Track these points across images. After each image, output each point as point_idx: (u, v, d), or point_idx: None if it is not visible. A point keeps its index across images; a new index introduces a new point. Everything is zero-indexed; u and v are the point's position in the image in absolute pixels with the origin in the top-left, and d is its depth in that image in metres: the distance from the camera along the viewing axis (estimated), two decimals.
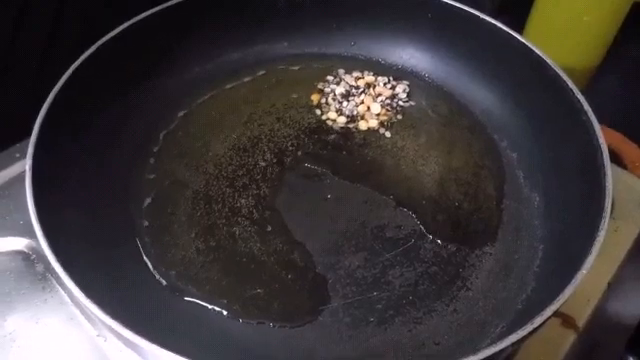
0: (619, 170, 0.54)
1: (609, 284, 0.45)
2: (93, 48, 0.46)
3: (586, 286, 0.44)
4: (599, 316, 0.44)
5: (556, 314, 0.42)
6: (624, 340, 0.48)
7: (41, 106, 0.42)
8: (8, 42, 0.52)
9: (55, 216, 0.37)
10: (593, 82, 0.73)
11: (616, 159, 0.56)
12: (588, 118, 0.42)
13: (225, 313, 0.40)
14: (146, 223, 0.44)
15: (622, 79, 0.77)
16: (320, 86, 0.55)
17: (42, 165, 0.39)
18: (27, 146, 0.40)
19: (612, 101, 0.73)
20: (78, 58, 0.45)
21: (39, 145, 0.39)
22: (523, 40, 0.49)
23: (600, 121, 0.45)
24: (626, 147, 0.58)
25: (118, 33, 0.48)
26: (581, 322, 0.43)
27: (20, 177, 0.48)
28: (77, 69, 0.44)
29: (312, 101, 0.54)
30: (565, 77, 0.45)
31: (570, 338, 0.42)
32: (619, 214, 0.49)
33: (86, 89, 0.45)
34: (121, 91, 0.49)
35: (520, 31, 0.72)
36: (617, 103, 0.74)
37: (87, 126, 0.46)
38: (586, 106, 0.43)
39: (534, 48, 0.48)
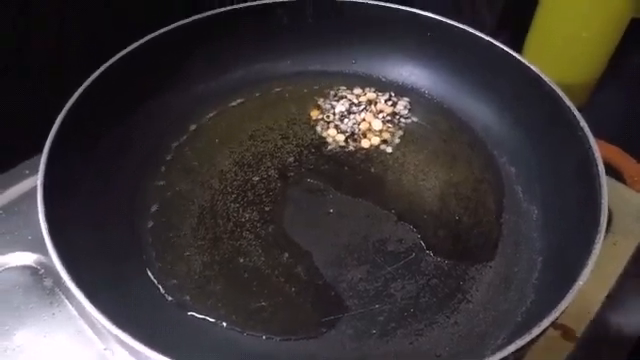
0: (618, 185, 0.54)
1: (608, 297, 0.46)
2: (104, 67, 0.47)
3: (585, 298, 0.44)
4: (599, 328, 0.45)
5: (556, 326, 0.43)
6: (626, 353, 0.48)
7: (48, 115, 0.43)
8: (12, 48, 0.53)
9: (65, 231, 0.38)
10: (593, 96, 0.74)
11: (615, 174, 0.57)
12: (584, 133, 0.43)
13: (229, 326, 0.40)
14: (151, 238, 0.45)
15: (622, 93, 0.78)
16: (322, 103, 0.57)
17: (53, 181, 0.40)
18: (37, 163, 0.41)
19: (612, 115, 0.73)
20: (83, 68, 0.46)
21: (50, 162, 0.40)
22: (520, 58, 0.50)
23: (600, 135, 0.45)
24: (625, 162, 0.58)
25: (127, 53, 0.49)
26: (581, 334, 0.43)
27: (29, 193, 0.49)
28: (88, 86, 0.46)
29: (314, 118, 0.55)
30: (561, 93, 0.47)
31: (570, 350, 0.43)
32: (618, 228, 0.50)
33: (97, 106, 0.46)
34: (130, 107, 0.50)
35: (520, 47, 0.73)
36: (617, 117, 0.74)
37: (97, 142, 0.47)
38: (582, 122, 0.44)
39: (531, 66, 0.49)
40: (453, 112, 0.56)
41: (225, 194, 0.48)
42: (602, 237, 0.37)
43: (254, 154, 0.52)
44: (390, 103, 0.56)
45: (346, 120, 0.55)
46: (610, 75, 0.73)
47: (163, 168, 0.50)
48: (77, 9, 0.55)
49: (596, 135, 0.44)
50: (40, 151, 0.41)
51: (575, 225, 0.41)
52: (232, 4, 0.55)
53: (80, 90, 0.45)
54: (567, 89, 0.47)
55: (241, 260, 0.44)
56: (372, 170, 0.51)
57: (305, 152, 0.52)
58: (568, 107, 0.46)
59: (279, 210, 0.47)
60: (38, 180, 0.39)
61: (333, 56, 0.59)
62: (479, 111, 0.55)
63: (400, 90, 0.58)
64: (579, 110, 0.46)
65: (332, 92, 0.58)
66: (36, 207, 0.38)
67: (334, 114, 0.55)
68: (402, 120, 0.55)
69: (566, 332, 0.43)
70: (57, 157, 0.41)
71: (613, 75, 0.73)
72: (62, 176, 0.41)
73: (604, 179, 0.40)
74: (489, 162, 0.52)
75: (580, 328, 0.44)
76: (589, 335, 0.44)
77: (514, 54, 0.50)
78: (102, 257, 0.42)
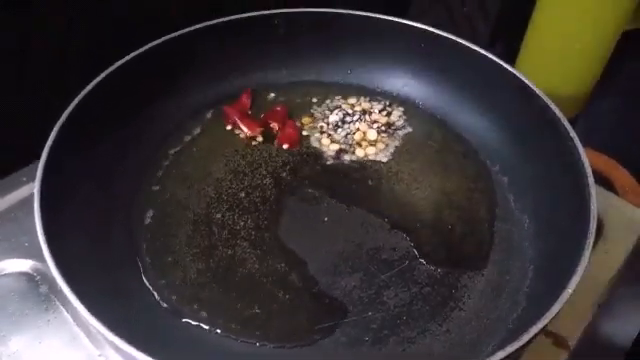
0: (610, 195, 0.55)
1: (599, 305, 0.46)
2: (101, 76, 0.48)
3: (577, 306, 0.45)
4: (591, 336, 0.45)
5: (547, 334, 0.43)
6: None
7: (45, 123, 0.43)
8: (14, 51, 0.54)
9: (61, 238, 0.38)
10: (586, 107, 0.75)
11: (608, 184, 0.57)
12: (574, 144, 0.44)
13: (224, 333, 0.41)
14: (147, 244, 0.46)
15: (615, 104, 0.79)
16: (317, 113, 0.57)
17: (50, 188, 0.40)
18: (34, 170, 0.41)
19: (605, 126, 0.74)
20: (84, 73, 0.47)
21: (47, 169, 0.41)
22: (512, 70, 0.51)
23: (593, 146, 0.46)
24: (617, 173, 0.59)
25: (125, 62, 0.50)
26: (572, 342, 0.44)
27: (26, 200, 0.49)
28: (86, 95, 0.46)
29: (309, 127, 0.56)
30: (552, 105, 0.47)
31: (562, 358, 0.43)
32: (609, 237, 0.51)
33: (94, 114, 0.47)
34: (127, 116, 0.51)
35: (513, 59, 0.74)
36: (610, 128, 0.75)
37: (94, 149, 0.47)
38: (572, 133, 0.45)
39: (523, 78, 0.50)
40: (446, 122, 0.57)
41: (220, 202, 0.49)
42: (591, 245, 0.37)
43: (249, 162, 0.52)
44: (384, 113, 0.57)
45: (340, 130, 0.55)
46: (603, 86, 0.74)
47: (160, 174, 0.51)
48: (78, 11, 0.56)
49: (589, 145, 0.44)
50: (37, 158, 0.42)
51: (566, 234, 0.42)
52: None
53: (78, 98, 0.46)
54: (560, 100, 0.48)
55: (236, 267, 0.44)
56: (366, 179, 0.52)
57: (300, 161, 0.53)
58: (559, 118, 0.46)
59: (274, 218, 0.48)
60: (35, 187, 0.40)
61: (329, 66, 0.60)
62: (472, 121, 0.55)
63: (394, 100, 0.59)
64: (572, 121, 0.46)
65: (327, 102, 0.58)
66: (32, 214, 0.39)
67: (329, 124, 0.56)
68: (396, 130, 0.56)
69: (558, 340, 0.44)
70: (54, 164, 0.42)
71: (606, 86, 0.74)
72: (59, 183, 0.41)
73: (593, 189, 0.41)
74: (482, 172, 0.52)
75: (572, 336, 0.44)
76: (582, 343, 0.44)
77: (506, 66, 0.51)
78: (98, 264, 0.42)
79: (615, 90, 0.77)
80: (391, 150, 0.54)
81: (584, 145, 0.44)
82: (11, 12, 0.52)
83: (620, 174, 0.59)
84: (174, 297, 0.42)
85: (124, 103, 0.50)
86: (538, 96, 0.48)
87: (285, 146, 0.54)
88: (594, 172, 0.43)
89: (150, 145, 0.52)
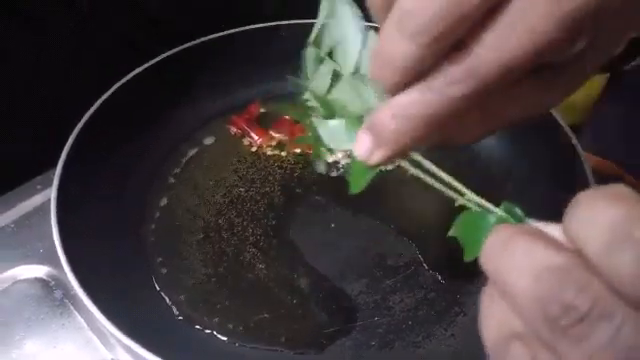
0: None
1: None
2: (116, 85, 0.49)
3: None
4: None
5: None
6: None
7: (60, 137, 0.45)
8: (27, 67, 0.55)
9: (76, 244, 0.40)
10: (592, 114, 0.75)
11: None
12: (577, 152, 0.45)
13: (231, 339, 0.41)
14: (159, 251, 0.47)
15: (621, 110, 0.79)
16: None
17: (66, 195, 0.42)
18: (49, 178, 0.42)
19: (613, 132, 0.74)
20: (96, 83, 0.49)
21: (64, 177, 0.42)
22: None
23: (599, 152, 0.46)
24: (623, 180, 0.59)
25: (140, 72, 0.52)
26: None
27: (41, 207, 0.50)
28: (102, 104, 0.48)
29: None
30: (557, 115, 0.48)
31: None
32: None
33: (109, 122, 0.48)
34: (142, 124, 0.53)
35: None
36: (618, 134, 0.75)
37: (108, 157, 0.49)
38: (574, 140, 0.46)
39: None
40: None
41: (230, 209, 0.50)
42: None
43: (258, 170, 0.54)
44: None
45: None
46: (609, 93, 0.74)
47: (171, 182, 0.52)
48: (89, 23, 0.57)
49: (595, 152, 0.45)
50: (52, 166, 0.43)
51: None
52: None
53: (93, 108, 0.47)
54: (565, 108, 0.49)
55: (244, 273, 0.45)
56: (373, 186, 0.52)
57: (308, 168, 0.54)
58: (562, 127, 0.47)
59: (282, 225, 0.49)
60: (52, 194, 0.41)
61: None
62: None
63: None
64: (578, 128, 0.47)
65: None
66: (47, 220, 0.40)
67: None
68: None
69: None
70: (71, 172, 0.43)
71: (612, 92, 0.74)
72: (74, 191, 0.43)
73: None
74: (487, 179, 0.53)
75: None
76: None
77: None
78: (111, 269, 0.43)
79: (622, 96, 0.77)
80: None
81: (592, 152, 0.45)
82: (25, 25, 0.53)
83: (626, 181, 0.59)
84: (185, 302, 0.43)
85: (136, 113, 0.52)
86: None
87: (298, 150, 0.55)
88: (600, 179, 0.43)
89: (163, 153, 0.54)
